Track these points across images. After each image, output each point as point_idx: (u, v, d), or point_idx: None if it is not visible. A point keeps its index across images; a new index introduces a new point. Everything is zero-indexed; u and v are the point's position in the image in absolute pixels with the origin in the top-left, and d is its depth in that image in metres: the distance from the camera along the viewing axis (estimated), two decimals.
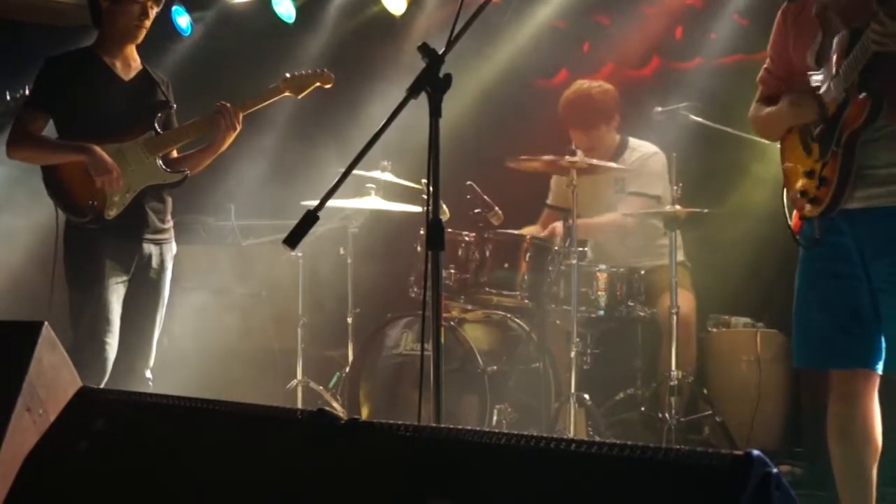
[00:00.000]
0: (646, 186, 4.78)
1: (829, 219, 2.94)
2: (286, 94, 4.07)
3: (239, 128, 3.99)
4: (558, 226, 4.75)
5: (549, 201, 5.26)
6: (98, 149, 3.83)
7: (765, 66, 3.20)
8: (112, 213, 3.86)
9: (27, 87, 4.33)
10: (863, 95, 2.77)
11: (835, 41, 2.89)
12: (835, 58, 2.87)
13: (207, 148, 4.04)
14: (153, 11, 3.98)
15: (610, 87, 4.96)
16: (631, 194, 4.78)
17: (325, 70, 4.13)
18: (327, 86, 4.12)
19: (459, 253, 4.62)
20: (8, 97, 4.71)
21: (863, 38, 2.73)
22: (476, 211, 4.66)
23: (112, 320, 3.86)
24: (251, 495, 2.16)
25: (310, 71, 4.13)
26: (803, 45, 3.01)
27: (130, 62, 4.05)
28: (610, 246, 4.96)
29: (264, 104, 4.08)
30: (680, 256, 4.60)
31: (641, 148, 4.97)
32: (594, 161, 4.45)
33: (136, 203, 3.91)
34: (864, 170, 2.86)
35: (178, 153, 4.10)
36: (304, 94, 4.11)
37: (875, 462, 3.03)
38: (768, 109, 3.14)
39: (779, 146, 3.19)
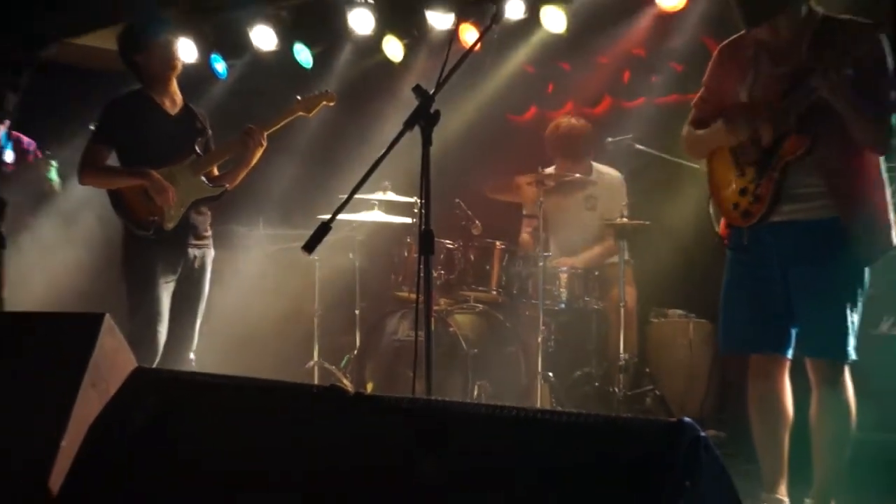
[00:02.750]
0: (614, 210, 4.70)
1: (755, 229, 2.96)
2: (300, 113, 4.03)
3: (265, 144, 3.96)
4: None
5: (525, 212, 5.23)
6: (155, 173, 3.82)
7: (700, 93, 3.16)
8: (170, 224, 3.84)
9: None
10: (805, 133, 2.78)
11: (768, 79, 2.89)
12: (770, 93, 2.86)
13: (240, 164, 4.00)
14: (176, 45, 3.98)
15: (589, 125, 4.93)
16: (605, 224, 4.67)
17: (329, 91, 4.09)
18: (331, 104, 4.07)
19: (445, 257, 4.63)
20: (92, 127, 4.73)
21: (808, 84, 2.71)
22: (462, 223, 4.68)
23: (163, 313, 3.85)
24: (274, 457, 2.16)
25: (317, 92, 4.10)
26: (736, 81, 2.99)
27: (175, 99, 4.02)
28: (576, 247, 4.94)
29: (283, 123, 4.04)
30: (626, 255, 4.60)
31: (606, 173, 4.93)
32: (561, 176, 4.46)
33: (183, 217, 3.90)
34: (789, 189, 2.87)
35: (218, 171, 4.09)
36: (314, 112, 4.06)
37: (787, 430, 3.04)
38: (702, 131, 3.08)
39: (705, 168, 3.17)
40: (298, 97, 4.07)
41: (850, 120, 2.72)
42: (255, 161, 4.00)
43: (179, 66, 3.99)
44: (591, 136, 4.91)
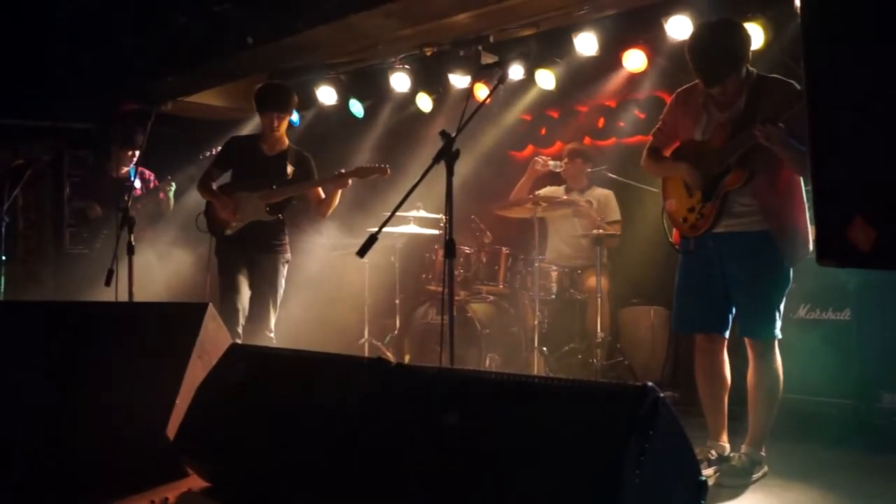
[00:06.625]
0: (607, 213, 4.68)
1: (700, 238, 2.94)
2: (355, 177, 3.93)
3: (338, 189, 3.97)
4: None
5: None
6: (223, 196, 4.03)
7: (658, 126, 3.11)
8: (228, 231, 4.02)
9: (213, 150, 4.54)
10: (744, 169, 2.79)
11: (716, 125, 2.88)
12: (718, 136, 2.87)
13: (325, 200, 4.03)
14: (279, 121, 4.02)
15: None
16: (607, 223, 4.58)
17: (384, 165, 3.96)
18: (385, 176, 3.93)
19: (464, 260, 4.63)
20: (202, 157, 4.87)
21: (748, 131, 2.72)
22: (477, 234, 4.69)
23: (241, 290, 3.93)
24: (333, 411, 2.17)
25: (371, 165, 4.01)
26: (688, 121, 2.97)
27: (274, 146, 4.08)
28: (563, 251, 4.90)
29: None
30: (604, 258, 4.56)
31: (599, 189, 4.85)
32: (553, 199, 4.43)
33: (251, 228, 3.97)
34: (728, 208, 2.87)
35: (324, 195, 4.06)
36: (366, 177, 3.95)
37: (726, 392, 3.02)
38: (666, 162, 3.04)
39: (660, 189, 3.14)
40: (358, 166, 4.00)
41: (786, 158, 2.73)
42: (335, 201, 4.01)
43: (276, 130, 4.02)
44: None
